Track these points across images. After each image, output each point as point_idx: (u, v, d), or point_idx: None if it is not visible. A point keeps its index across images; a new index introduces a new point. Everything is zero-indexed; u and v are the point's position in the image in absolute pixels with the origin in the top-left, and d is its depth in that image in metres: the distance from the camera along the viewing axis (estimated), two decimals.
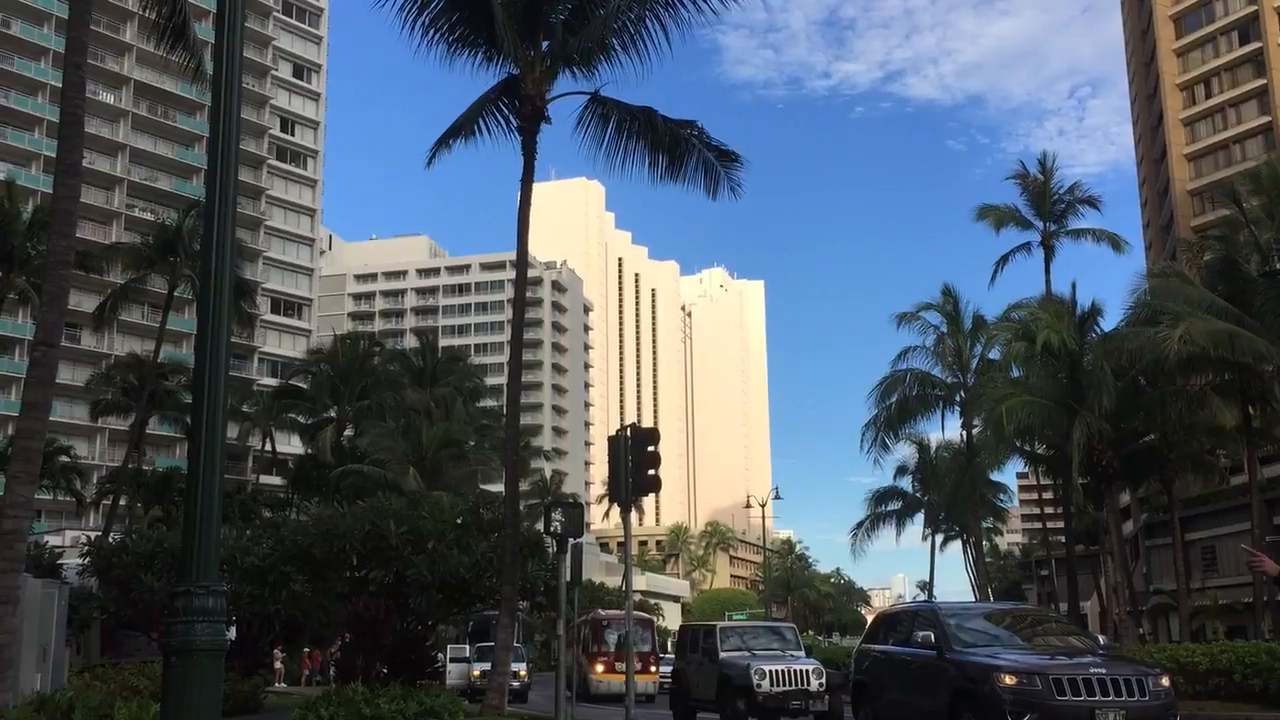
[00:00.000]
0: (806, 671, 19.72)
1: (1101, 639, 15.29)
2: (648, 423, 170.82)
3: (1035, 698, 12.03)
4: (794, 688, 19.41)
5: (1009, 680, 12.27)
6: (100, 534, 34.49)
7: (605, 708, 30.64)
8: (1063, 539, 46.48)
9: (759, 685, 19.33)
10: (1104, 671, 12.38)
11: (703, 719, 22.16)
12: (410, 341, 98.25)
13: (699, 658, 22.12)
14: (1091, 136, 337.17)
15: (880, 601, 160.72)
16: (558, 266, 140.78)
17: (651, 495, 23.32)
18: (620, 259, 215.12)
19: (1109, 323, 38.74)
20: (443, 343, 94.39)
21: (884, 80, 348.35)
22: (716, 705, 20.68)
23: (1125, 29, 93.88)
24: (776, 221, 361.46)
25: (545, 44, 20.80)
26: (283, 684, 38.38)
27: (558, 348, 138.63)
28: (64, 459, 51.86)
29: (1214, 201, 64.62)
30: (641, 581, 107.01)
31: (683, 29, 20.23)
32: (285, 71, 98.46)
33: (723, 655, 20.91)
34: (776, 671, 19.56)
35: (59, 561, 33.87)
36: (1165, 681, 12.76)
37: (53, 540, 45.04)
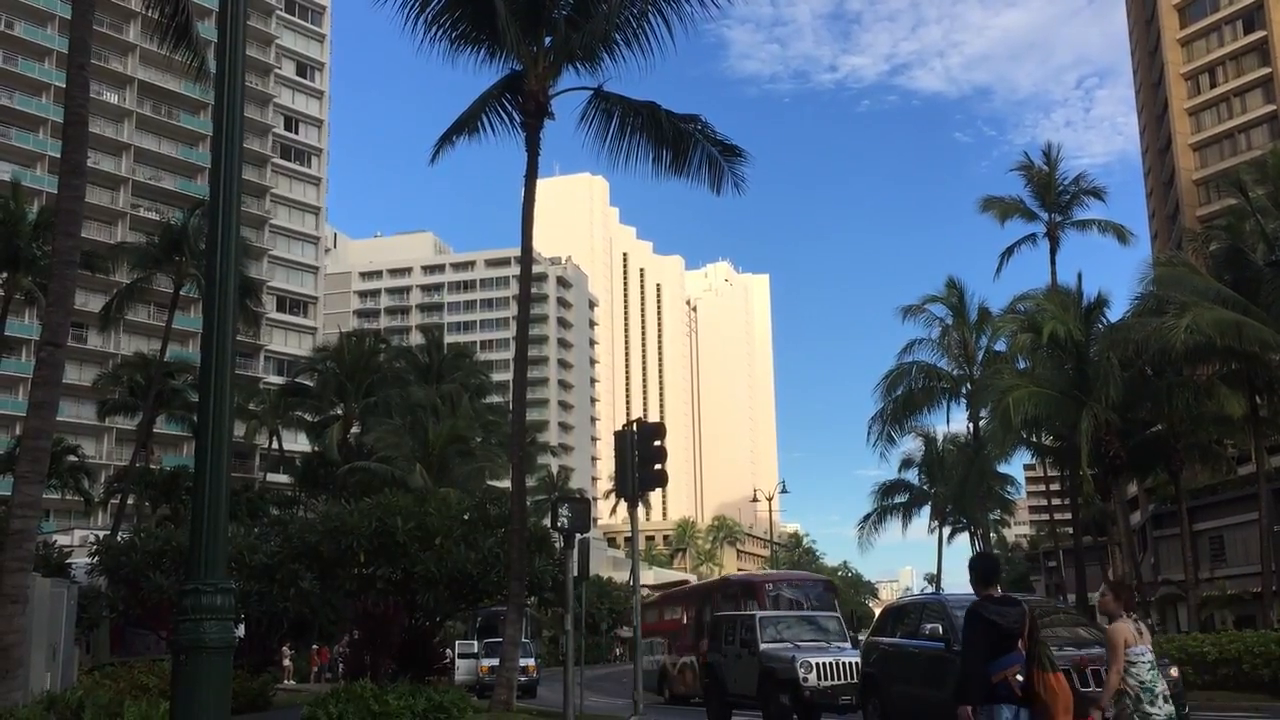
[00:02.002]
0: (856, 664, 18.33)
1: None
2: (654, 417, 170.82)
3: None
4: (843, 681, 18.33)
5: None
6: (108, 533, 34.54)
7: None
8: (1070, 530, 46.43)
9: (805, 679, 18.30)
10: None
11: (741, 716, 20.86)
12: (416, 338, 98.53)
13: (736, 649, 20.73)
14: (1099, 127, 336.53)
15: (888, 594, 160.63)
16: (562, 262, 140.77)
17: (658, 490, 23.11)
18: (625, 254, 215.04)
19: (1115, 313, 38.81)
20: (448, 339, 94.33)
21: (890, 73, 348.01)
22: (758, 700, 19.44)
23: (1130, 19, 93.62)
24: (782, 215, 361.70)
25: (548, 40, 20.74)
26: (292, 681, 38.44)
27: (563, 343, 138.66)
28: (72, 458, 52.08)
29: (1220, 191, 64.48)
30: (649, 576, 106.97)
31: (686, 24, 20.15)
32: (288, 70, 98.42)
33: (763, 647, 19.71)
34: (824, 664, 18.58)
35: (68, 561, 34.02)
36: (1174, 672, 12.72)
37: (61, 539, 45.14)
